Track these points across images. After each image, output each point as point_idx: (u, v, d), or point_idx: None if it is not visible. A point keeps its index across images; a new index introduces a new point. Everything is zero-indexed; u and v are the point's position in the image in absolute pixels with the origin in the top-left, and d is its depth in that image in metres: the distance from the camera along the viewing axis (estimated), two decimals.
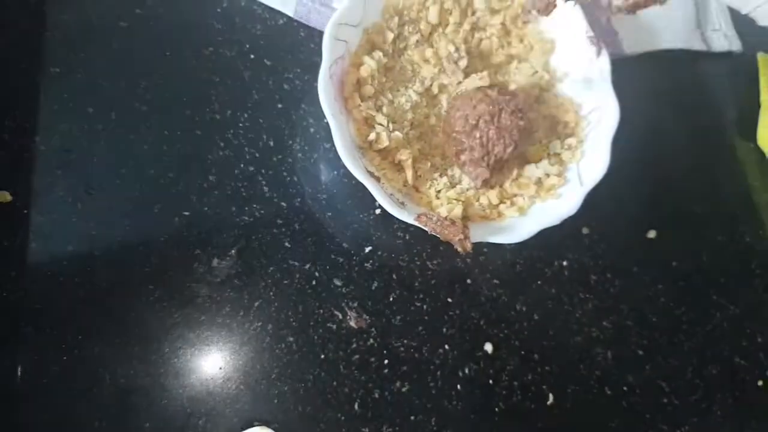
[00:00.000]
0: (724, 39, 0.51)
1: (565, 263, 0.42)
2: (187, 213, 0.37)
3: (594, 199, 0.36)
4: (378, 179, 0.35)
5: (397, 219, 0.33)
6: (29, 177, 0.35)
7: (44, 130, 0.36)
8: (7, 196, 0.35)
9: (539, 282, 0.42)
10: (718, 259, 0.46)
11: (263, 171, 0.39)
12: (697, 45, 0.49)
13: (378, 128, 0.35)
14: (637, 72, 0.45)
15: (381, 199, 0.33)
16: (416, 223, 0.33)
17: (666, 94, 0.48)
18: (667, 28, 0.49)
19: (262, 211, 0.38)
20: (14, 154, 0.35)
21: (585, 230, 0.43)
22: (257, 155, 0.39)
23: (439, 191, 0.36)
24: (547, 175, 0.37)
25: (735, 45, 0.51)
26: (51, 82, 0.37)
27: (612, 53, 0.42)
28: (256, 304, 0.36)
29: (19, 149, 0.36)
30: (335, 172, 0.40)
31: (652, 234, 0.44)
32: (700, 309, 0.44)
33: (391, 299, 0.38)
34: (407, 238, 0.39)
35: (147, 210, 0.36)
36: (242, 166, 0.38)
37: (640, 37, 0.47)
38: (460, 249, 0.33)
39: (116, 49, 0.38)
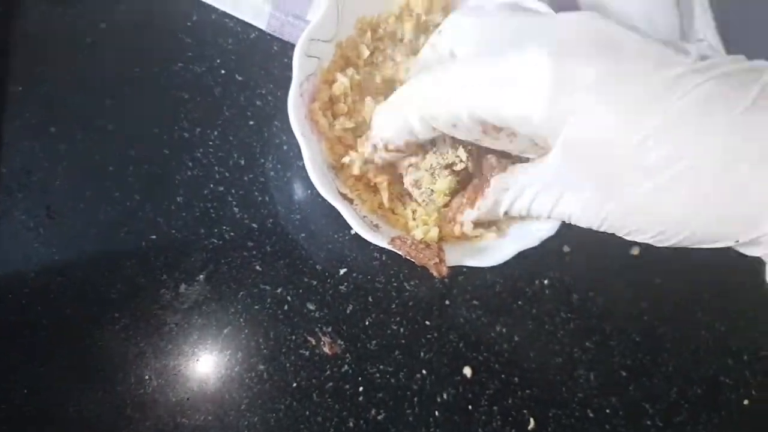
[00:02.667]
0: (709, 50, 0.50)
1: (546, 282, 0.41)
2: (153, 237, 0.35)
3: None
4: (351, 201, 0.33)
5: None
6: None
7: (5, 150, 0.35)
8: None
9: (520, 302, 0.41)
10: (703, 275, 0.45)
11: (233, 191, 0.37)
12: None
13: (351, 155, 0.34)
14: None
15: (353, 223, 0.32)
16: (390, 247, 0.32)
17: None
18: None
19: (232, 233, 0.37)
20: None
21: (566, 248, 0.42)
22: (227, 174, 0.37)
23: (415, 212, 0.35)
24: None
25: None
26: (13, 100, 0.35)
27: None
28: (225, 330, 0.35)
29: None
30: (309, 191, 0.38)
31: (635, 251, 0.43)
32: (684, 327, 0.43)
33: (366, 323, 0.37)
34: (384, 258, 0.38)
35: (112, 234, 0.35)
36: (211, 186, 0.37)
37: None
38: (435, 273, 0.32)
39: (81, 66, 0.37)
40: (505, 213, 0.30)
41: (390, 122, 0.30)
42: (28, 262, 0.34)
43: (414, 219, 0.35)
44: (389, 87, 0.37)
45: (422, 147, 0.32)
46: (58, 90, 0.36)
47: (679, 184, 0.22)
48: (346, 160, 0.34)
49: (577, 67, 0.23)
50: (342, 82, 0.35)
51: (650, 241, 0.25)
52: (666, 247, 0.43)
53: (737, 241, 0.23)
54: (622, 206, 0.24)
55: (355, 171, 0.34)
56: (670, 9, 0.49)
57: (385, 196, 0.34)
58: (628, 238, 0.26)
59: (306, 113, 0.33)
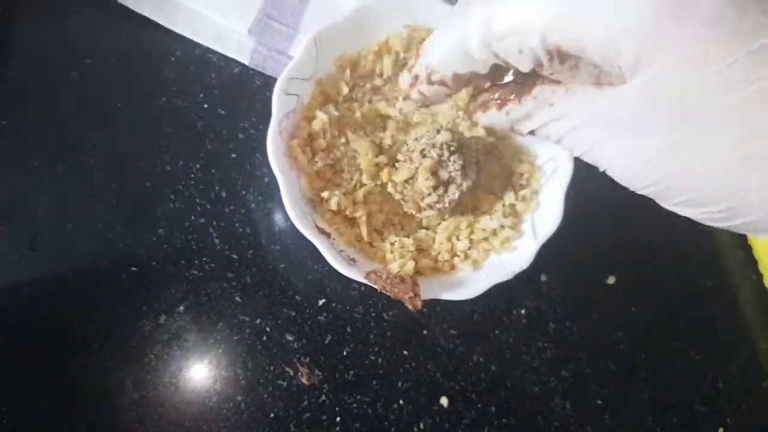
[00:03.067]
0: None
1: (523, 311, 0.42)
2: (134, 268, 0.36)
3: (552, 245, 0.35)
4: (328, 235, 0.34)
5: None
6: None
7: None
8: None
9: (497, 331, 0.41)
10: (679, 303, 0.45)
11: (215, 223, 0.38)
12: None
13: (326, 193, 0.35)
14: None
15: (329, 257, 0.32)
16: (366, 281, 0.33)
17: None
18: None
19: (213, 265, 0.37)
20: None
21: (543, 277, 0.43)
22: (209, 206, 0.38)
23: (393, 244, 0.36)
24: (502, 227, 0.37)
25: None
26: None
27: None
28: (204, 361, 0.36)
29: None
30: (289, 223, 0.39)
31: (611, 280, 0.44)
32: (660, 355, 0.44)
33: (344, 353, 0.38)
34: (362, 289, 0.39)
35: (93, 265, 0.36)
36: (192, 218, 0.38)
37: None
38: (410, 307, 0.32)
39: (66, 100, 0.38)
40: (531, 132, 0.26)
41: (443, 43, 0.26)
42: (10, 293, 0.34)
43: (392, 252, 0.35)
44: (368, 122, 0.38)
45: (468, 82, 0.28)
46: (42, 124, 0.37)
47: None
48: (324, 194, 0.35)
49: None
50: (321, 119, 0.36)
51: (706, 216, 0.22)
52: (641, 277, 0.44)
53: None
54: (702, 166, 0.21)
55: (333, 207, 0.35)
56: None
57: (364, 230, 0.35)
58: (674, 207, 0.23)
59: (285, 150, 0.34)
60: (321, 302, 0.38)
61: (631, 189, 0.24)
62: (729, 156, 0.20)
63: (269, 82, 0.41)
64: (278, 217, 0.39)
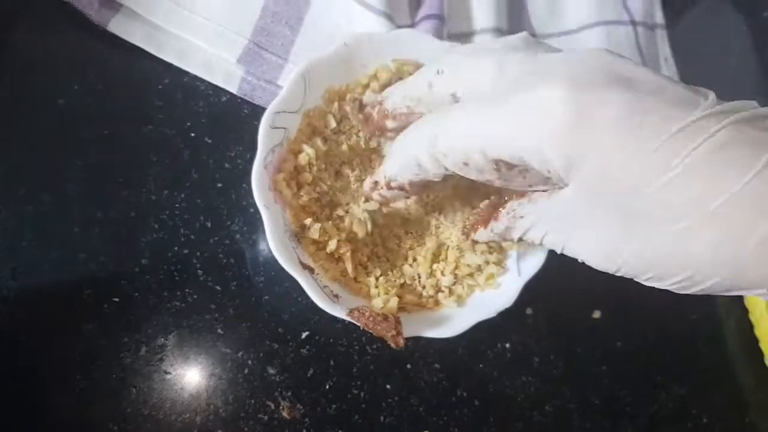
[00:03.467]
0: None
1: (507, 345, 0.42)
2: (116, 299, 0.36)
3: (538, 279, 0.36)
4: (312, 270, 0.34)
5: None
6: None
7: None
8: None
9: (481, 365, 0.41)
10: (663, 339, 0.46)
11: (198, 253, 0.38)
12: None
13: (309, 220, 0.34)
14: None
15: (312, 294, 0.32)
16: (348, 318, 0.33)
17: None
18: None
19: (195, 296, 0.37)
20: None
21: (528, 311, 0.43)
22: (193, 237, 0.38)
23: (377, 279, 0.36)
24: (487, 263, 0.37)
25: None
26: None
27: None
28: (185, 395, 0.35)
29: None
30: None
31: (596, 314, 0.44)
32: (644, 390, 0.44)
33: (327, 387, 0.38)
34: (346, 322, 0.38)
35: (75, 296, 0.35)
36: (176, 248, 0.37)
37: None
38: (393, 345, 0.32)
39: (52, 128, 0.38)
40: (520, 239, 0.29)
41: (398, 158, 0.30)
42: None
43: (376, 287, 0.35)
44: (355, 155, 0.38)
45: (426, 187, 0.32)
46: (27, 151, 0.37)
47: (708, 228, 0.21)
48: (307, 222, 0.35)
49: (595, 103, 0.22)
50: (308, 152, 0.36)
51: (674, 287, 0.24)
52: (627, 311, 0.44)
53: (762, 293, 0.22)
54: (647, 248, 0.23)
55: (314, 236, 0.35)
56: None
57: (349, 266, 0.35)
58: (647, 283, 0.24)
59: (270, 184, 0.34)
60: (304, 335, 0.38)
61: (611, 272, 0.25)
62: (669, 233, 0.22)
63: (257, 111, 0.41)
64: (263, 249, 0.39)
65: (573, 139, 0.22)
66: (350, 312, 0.33)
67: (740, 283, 0.22)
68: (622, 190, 0.22)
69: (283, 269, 0.36)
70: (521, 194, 0.28)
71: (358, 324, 0.33)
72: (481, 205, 0.31)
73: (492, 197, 0.31)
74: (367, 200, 0.35)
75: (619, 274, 0.25)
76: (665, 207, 0.21)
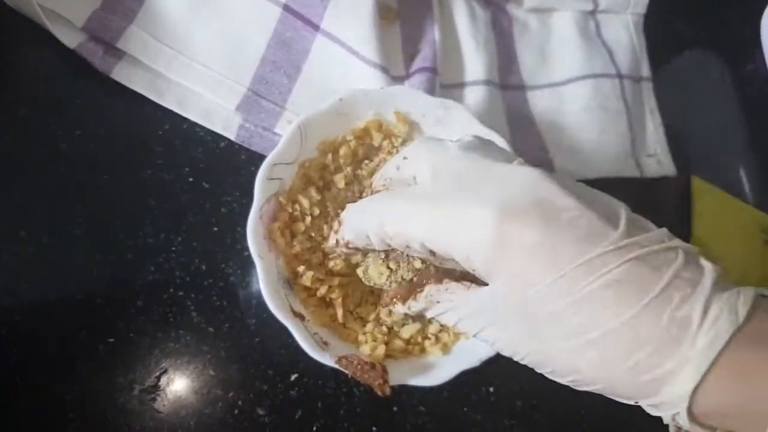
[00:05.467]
0: (657, 165, 0.53)
1: (491, 389, 0.43)
2: (111, 339, 0.37)
3: None
4: (303, 318, 0.35)
5: None
6: None
7: None
8: None
9: (465, 408, 0.42)
10: None
11: (193, 295, 0.39)
12: (630, 172, 0.52)
13: (302, 268, 0.36)
14: None
15: (303, 343, 0.34)
16: (336, 366, 0.34)
17: None
18: (601, 156, 0.51)
19: (188, 338, 0.38)
20: None
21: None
22: (188, 279, 0.39)
23: (365, 326, 0.37)
24: None
25: (668, 170, 0.53)
26: None
27: None
28: None
29: None
30: None
31: None
32: None
33: (314, 428, 0.39)
34: None
35: (72, 336, 0.36)
36: (171, 290, 0.39)
37: (573, 167, 0.49)
38: (379, 393, 0.34)
39: (54, 171, 0.39)
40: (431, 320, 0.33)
41: (351, 227, 0.33)
42: None
43: (364, 334, 0.37)
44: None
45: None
46: (30, 194, 0.38)
47: (591, 349, 0.25)
48: (300, 269, 0.36)
49: (516, 230, 0.26)
50: (302, 203, 0.37)
51: (568, 383, 0.27)
52: None
53: (637, 403, 0.26)
54: (543, 352, 0.27)
55: (306, 282, 0.36)
56: (623, 127, 0.53)
57: (339, 312, 0.36)
58: (549, 376, 0.28)
59: (265, 233, 0.35)
60: (293, 377, 0.39)
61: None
62: (563, 345, 0.25)
63: (254, 157, 0.43)
64: (255, 291, 0.40)
65: (495, 256, 0.26)
66: (338, 360, 0.34)
67: (617, 394, 0.26)
68: (530, 303, 0.26)
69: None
70: (439, 280, 0.32)
71: (346, 372, 0.34)
72: (402, 283, 0.34)
73: (413, 278, 0.34)
74: (331, 256, 0.37)
75: (523, 362, 0.28)
76: (561, 324, 0.25)
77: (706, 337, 0.23)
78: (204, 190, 0.41)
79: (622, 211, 0.28)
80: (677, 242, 0.27)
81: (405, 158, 0.33)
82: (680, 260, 0.25)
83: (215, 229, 0.41)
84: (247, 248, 0.39)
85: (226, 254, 0.40)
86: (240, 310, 0.40)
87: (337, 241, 0.35)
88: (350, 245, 0.34)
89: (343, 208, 0.39)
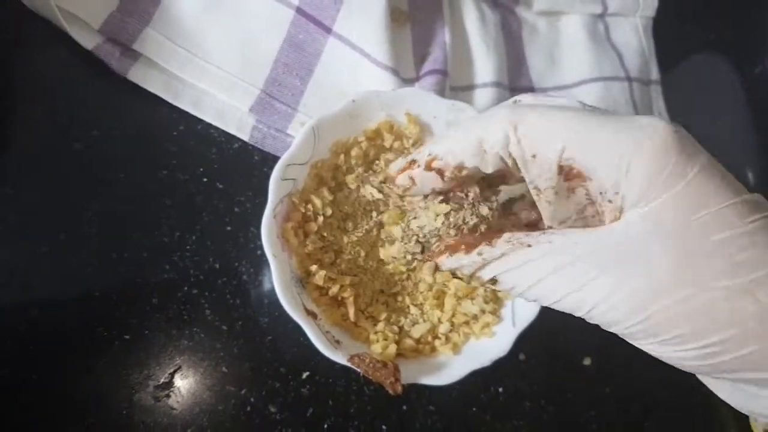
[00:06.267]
0: None
1: (500, 389, 0.43)
2: (127, 337, 0.37)
3: (531, 325, 0.37)
4: (315, 316, 0.36)
5: None
6: None
7: None
8: None
9: (474, 408, 0.43)
10: (653, 388, 0.47)
11: (207, 294, 0.39)
12: None
13: (314, 267, 0.36)
14: None
15: (315, 340, 0.34)
16: (349, 365, 0.34)
17: None
18: None
19: (203, 335, 0.39)
20: None
21: (522, 356, 0.45)
22: (202, 277, 0.40)
23: (376, 325, 0.38)
24: (483, 312, 0.39)
25: None
26: (2, 202, 0.38)
27: None
28: (189, 431, 0.37)
29: None
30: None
31: (587, 361, 0.46)
32: None
33: (325, 426, 0.39)
34: None
35: (88, 333, 0.37)
36: (186, 288, 0.39)
37: None
38: (390, 391, 0.34)
39: (70, 170, 0.39)
40: (492, 280, 0.27)
41: (457, 138, 0.29)
42: (3, 363, 0.35)
43: (375, 333, 0.37)
44: (360, 206, 0.40)
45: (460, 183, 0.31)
46: (46, 193, 0.39)
47: (760, 291, 0.21)
48: (312, 268, 0.37)
49: (692, 146, 0.23)
50: (315, 203, 0.38)
51: (682, 355, 0.23)
52: (617, 359, 0.46)
53: None
54: (690, 299, 0.22)
55: (319, 282, 0.36)
56: None
57: (351, 311, 0.37)
58: (659, 347, 0.23)
59: (278, 232, 0.36)
60: (305, 375, 0.40)
61: (612, 330, 0.24)
62: (719, 290, 0.21)
63: (267, 157, 0.44)
64: (268, 290, 0.41)
65: (666, 170, 0.22)
66: (351, 358, 0.34)
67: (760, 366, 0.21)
68: (691, 230, 0.22)
69: (285, 311, 0.38)
70: (521, 228, 0.27)
71: (358, 370, 0.34)
72: (463, 228, 0.31)
73: (480, 226, 0.31)
74: (386, 180, 0.36)
75: (630, 330, 0.23)
76: (723, 259, 0.21)
77: None
78: (218, 190, 0.42)
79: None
80: None
81: (518, 142, 0.26)
82: None
83: (228, 228, 0.41)
84: (259, 247, 0.40)
85: (240, 253, 0.41)
86: (252, 308, 0.40)
87: (413, 161, 0.31)
88: (435, 164, 0.29)
89: (354, 209, 0.40)
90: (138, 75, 0.42)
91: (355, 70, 0.47)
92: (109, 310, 0.37)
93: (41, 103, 0.40)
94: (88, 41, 0.41)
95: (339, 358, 0.34)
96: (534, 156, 0.25)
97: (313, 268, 0.36)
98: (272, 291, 0.39)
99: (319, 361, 0.39)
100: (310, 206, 0.38)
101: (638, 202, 0.23)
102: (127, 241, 0.39)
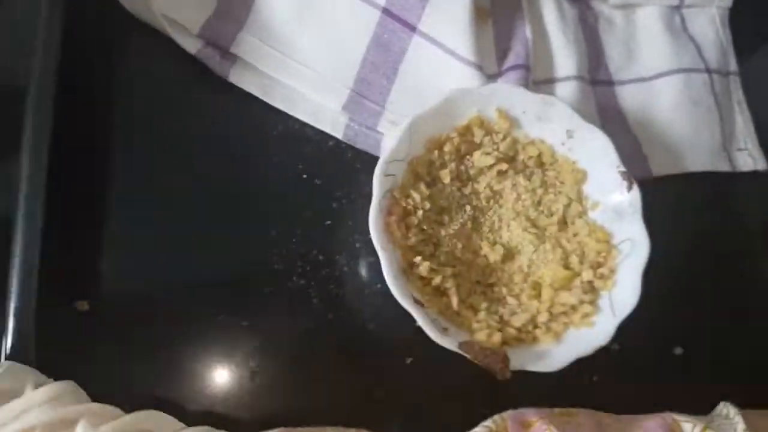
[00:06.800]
0: (749, 158, 0.53)
1: (595, 378, 0.44)
2: (245, 323, 0.39)
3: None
4: (422, 305, 0.37)
5: None
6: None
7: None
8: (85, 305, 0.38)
9: (569, 396, 0.43)
10: (743, 376, 0.47)
11: (313, 284, 0.41)
12: (723, 166, 0.52)
13: (418, 258, 0.38)
14: (665, 194, 0.47)
15: (425, 326, 0.35)
16: (458, 351, 0.36)
17: (694, 215, 0.50)
18: (694, 150, 0.51)
19: (310, 324, 0.41)
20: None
21: (615, 346, 0.45)
22: (308, 269, 0.42)
23: (478, 314, 0.39)
24: (581, 303, 0.39)
25: (760, 164, 0.53)
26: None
27: (640, 176, 0.45)
28: (292, 415, 0.38)
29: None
30: (378, 286, 0.42)
31: (678, 351, 0.46)
32: None
33: (426, 412, 0.40)
34: (447, 351, 0.41)
35: (210, 322, 0.39)
36: (294, 279, 0.41)
37: (667, 161, 0.50)
38: (499, 377, 0.35)
39: (182, 170, 0.42)
40: None
41: None
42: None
43: (478, 322, 0.38)
44: (455, 200, 0.42)
45: None
46: (165, 191, 0.41)
47: None
48: (417, 260, 0.38)
49: None
50: (414, 197, 0.39)
51: None
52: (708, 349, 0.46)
53: None
54: None
55: (423, 273, 0.38)
56: (715, 121, 0.53)
57: (454, 300, 0.38)
58: None
59: (383, 226, 0.37)
60: (408, 361, 0.41)
61: None
62: None
63: (360, 154, 0.45)
64: (366, 281, 0.42)
65: None
66: (460, 345, 0.36)
67: None
68: None
69: (386, 301, 0.39)
70: None
71: (467, 356, 0.36)
72: None
73: None
74: None
75: None
76: None
77: None
78: (316, 187, 0.44)
79: None
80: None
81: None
82: None
83: (328, 222, 0.43)
84: (357, 240, 0.42)
85: (339, 246, 0.43)
86: (354, 298, 0.42)
87: None
88: None
89: (449, 203, 0.41)
90: (237, 77, 0.44)
91: (439, 66, 0.48)
92: (226, 300, 0.40)
93: (150, 106, 0.43)
94: (190, 45, 0.44)
95: (448, 344, 0.36)
96: None
97: (418, 259, 0.38)
98: (371, 281, 0.41)
99: (420, 348, 0.41)
100: (410, 200, 0.39)
101: None
102: (239, 237, 0.41)
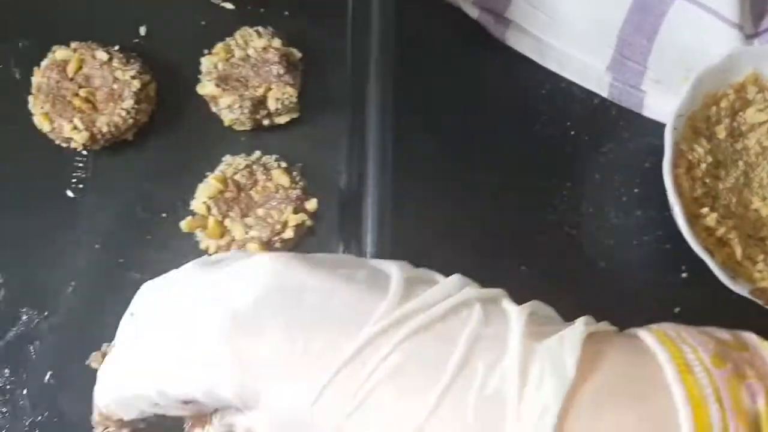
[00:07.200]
0: None
1: None
2: (524, 268, 0.43)
3: None
4: (711, 254, 0.39)
5: (705, 281, 0.38)
6: None
7: None
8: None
9: None
10: None
11: (584, 233, 0.45)
12: None
13: (705, 209, 0.40)
14: None
15: (718, 273, 0.38)
16: (750, 297, 0.38)
17: None
18: None
19: (577, 272, 0.44)
20: None
21: None
22: (580, 221, 0.45)
23: (756, 264, 0.40)
24: None
25: None
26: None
27: None
28: None
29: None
30: (645, 237, 0.45)
31: None
32: None
33: None
34: (721, 296, 0.42)
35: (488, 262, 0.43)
36: (566, 229, 0.45)
37: None
38: None
39: (455, 125, 0.46)
40: None
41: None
42: None
43: (759, 272, 0.40)
44: (727, 155, 0.43)
45: None
46: (426, 136, 0.46)
47: None
48: (704, 211, 0.40)
49: (251, 343, 0.20)
50: (698, 151, 0.41)
51: None
52: None
53: None
54: None
55: (710, 224, 0.40)
56: None
57: (738, 250, 0.40)
58: None
59: (672, 179, 0.40)
60: (676, 310, 0.43)
61: None
62: None
63: (623, 112, 0.47)
64: (635, 232, 0.45)
65: (242, 382, 0.20)
66: (752, 291, 0.38)
67: None
68: (302, 419, 0.20)
69: (652, 251, 0.42)
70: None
71: (759, 302, 0.38)
72: None
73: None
74: None
75: None
76: None
77: (531, 412, 0.18)
78: (584, 142, 0.47)
79: (394, 269, 0.22)
80: (470, 291, 0.21)
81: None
82: (477, 315, 0.20)
83: (597, 176, 0.46)
84: (624, 194, 0.45)
85: (608, 200, 0.46)
86: (622, 249, 0.45)
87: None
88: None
89: (725, 157, 0.43)
90: (512, 39, 0.48)
91: (700, 27, 0.48)
92: (496, 249, 0.44)
93: (430, 71, 0.47)
94: (472, 11, 0.48)
95: (740, 289, 0.38)
96: (155, 404, 0.23)
97: (704, 210, 0.40)
98: (639, 233, 0.44)
99: (689, 296, 0.43)
100: (695, 154, 0.41)
101: (256, 408, 0.21)
102: (514, 188, 0.45)
